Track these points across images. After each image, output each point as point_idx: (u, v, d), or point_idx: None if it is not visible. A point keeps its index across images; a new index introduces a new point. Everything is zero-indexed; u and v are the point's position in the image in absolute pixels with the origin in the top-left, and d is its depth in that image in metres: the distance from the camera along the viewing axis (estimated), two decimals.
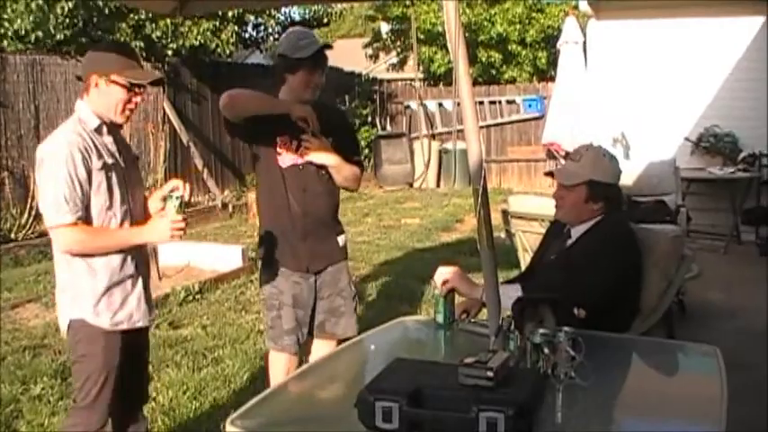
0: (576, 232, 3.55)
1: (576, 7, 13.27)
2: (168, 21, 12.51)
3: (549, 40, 17.17)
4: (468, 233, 10.64)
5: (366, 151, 17.29)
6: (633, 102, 10.59)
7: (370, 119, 17.91)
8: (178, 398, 4.95)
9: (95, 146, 3.20)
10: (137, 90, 3.28)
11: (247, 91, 4.00)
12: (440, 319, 3.32)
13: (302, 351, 4.17)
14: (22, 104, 10.50)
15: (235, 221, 12.17)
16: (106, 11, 11.97)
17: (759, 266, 8.45)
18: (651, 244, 3.64)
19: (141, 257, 3.46)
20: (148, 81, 3.30)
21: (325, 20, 22.02)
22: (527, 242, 5.89)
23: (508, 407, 2.10)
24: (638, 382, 2.94)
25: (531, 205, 6.18)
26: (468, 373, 2.23)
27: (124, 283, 3.32)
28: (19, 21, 11.10)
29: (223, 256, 8.37)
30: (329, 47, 4.11)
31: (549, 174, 3.98)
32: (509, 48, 17.82)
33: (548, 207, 5.01)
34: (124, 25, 12.27)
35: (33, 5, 11.07)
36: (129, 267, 3.34)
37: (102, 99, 3.24)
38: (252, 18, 15.33)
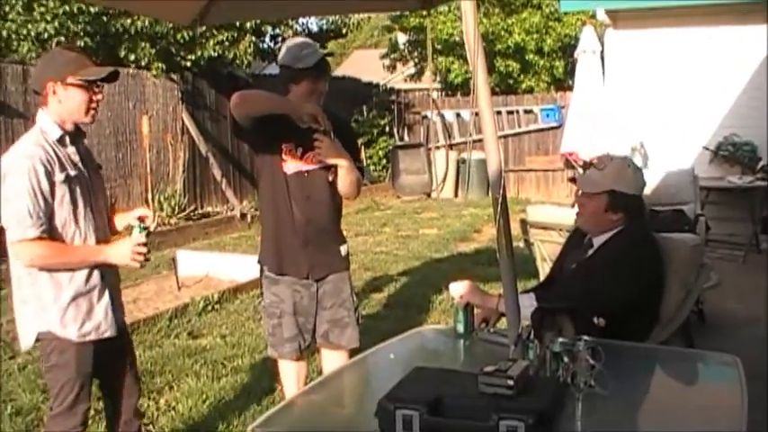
0: (597, 242, 3.56)
1: (593, 16, 13.24)
2: (185, 32, 12.58)
3: (567, 50, 17.12)
4: (486, 243, 10.62)
5: (384, 161, 17.31)
6: (651, 111, 10.57)
7: (387, 129, 17.92)
8: (197, 407, 4.97)
9: (58, 157, 3.16)
10: (95, 89, 3.25)
11: (258, 91, 4.05)
12: (460, 328, 3.33)
13: (310, 356, 4.19)
14: None
15: (253, 232, 12.17)
16: (132, 30, 12.00)
17: None
18: (670, 253, 3.64)
19: (109, 267, 3.40)
20: (103, 76, 3.25)
21: (344, 30, 22.07)
22: (545, 251, 5.89)
23: (528, 415, 2.11)
24: (658, 391, 2.94)
25: (549, 215, 6.19)
26: (488, 382, 2.24)
27: (90, 294, 3.29)
28: (43, 24, 11.19)
29: (242, 267, 8.37)
30: (330, 55, 4.15)
31: (572, 180, 3.98)
32: (526, 57, 17.79)
33: (566, 216, 5.01)
34: (145, 43, 12.32)
35: (60, 10, 11.18)
36: (95, 278, 3.31)
37: (63, 105, 3.20)
38: (269, 29, 15.37)
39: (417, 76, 20.74)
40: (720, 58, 10.25)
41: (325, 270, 4.13)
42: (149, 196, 10.93)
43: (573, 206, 3.81)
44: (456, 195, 16.63)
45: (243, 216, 12.87)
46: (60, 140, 3.23)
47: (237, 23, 12.76)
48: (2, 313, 7.11)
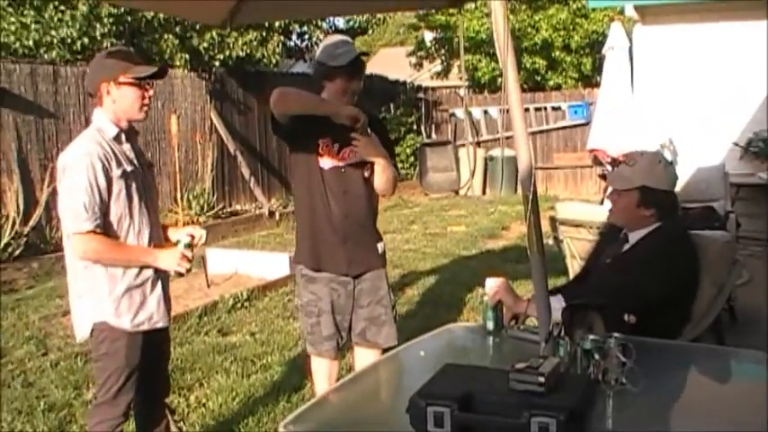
0: (634, 237, 3.53)
1: (621, 12, 13.15)
2: (214, 32, 12.65)
3: (594, 46, 17.02)
4: (515, 240, 10.61)
5: (411, 159, 17.30)
6: (680, 107, 10.49)
7: (415, 126, 17.94)
8: (227, 404, 5.01)
9: (114, 154, 3.28)
10: (146, 86, 3.37)
11: (298, 90, 4.06)
12: (489, 325, 3.33)
13: (344, 355, 4.20)
14: (73, 115, 10.59)
15: (281, 229, 12.23)
16: (155, 23, 12.10)
17: None
18: (702, 250, 3.60)
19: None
20: (153, 72, 3.36)
21: (370, 30, 22.07)
22: (575, 249, 5.88)
23: (560, 412, 2.11)
24: (689, 388, 2.92)
25: (578, 212, 6.17)
26: (519, 379, 2.24)
27: (143, 286, 3.40)
28: (66, 28, 11.29)
29: (270, 264, 8.42)
30: (366, 54, 4.16)
31: (603, 176, 3.96)
32: (553, 54, 17.71)
33: (595, 213, 5.00)
34: (171, 36, 12.41)
35: (78, 14, 11.28)
36: (148, 271, 3.41)
37: (117, 103, 3.33)
38: (297, 27, 15.41)
39: (444, 73, 20.70)
40: (750, 53, 10.15)
41: (363, 266, 4.15)
42: (178, 195, 10.98)
43: (602, 203, 3.79)
44: (484, 193, 16.61)
45: (271, 214, 12.93)
46: (116, 138, 3.35)
47: (266, 23, 12.81)
48: (34, 310, 7.21)
